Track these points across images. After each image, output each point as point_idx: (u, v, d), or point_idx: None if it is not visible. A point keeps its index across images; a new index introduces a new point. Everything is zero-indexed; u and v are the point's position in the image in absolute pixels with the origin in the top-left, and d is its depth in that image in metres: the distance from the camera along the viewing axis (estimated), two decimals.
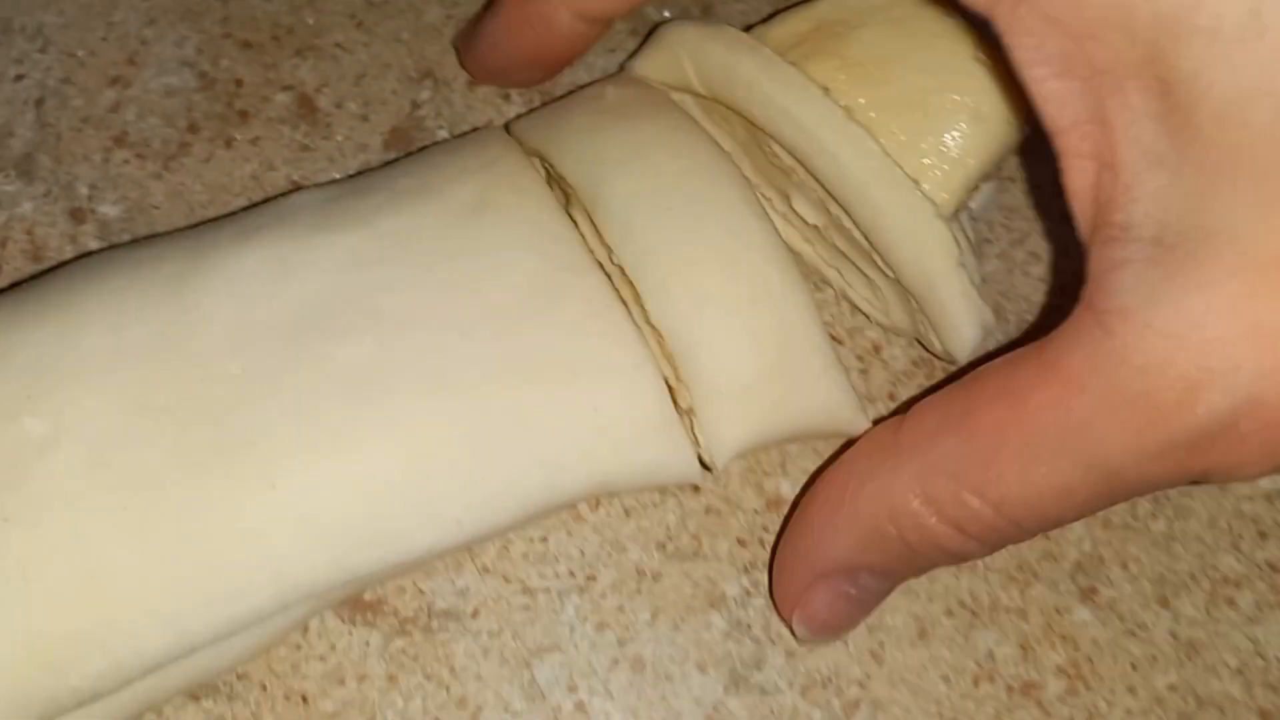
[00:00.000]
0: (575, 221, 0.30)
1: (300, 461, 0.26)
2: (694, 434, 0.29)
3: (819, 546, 0.27)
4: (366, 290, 0.28)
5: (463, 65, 0.35)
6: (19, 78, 0.35)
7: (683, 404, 0.28)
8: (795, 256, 0.34)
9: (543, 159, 0.31)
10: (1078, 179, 0.22)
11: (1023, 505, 0.23)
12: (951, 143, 0.29)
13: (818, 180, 0.30)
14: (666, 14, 0.37)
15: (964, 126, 0.29)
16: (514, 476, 0.27)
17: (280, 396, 0.26)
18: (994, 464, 0.23)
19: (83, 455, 0.25)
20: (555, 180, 0.31)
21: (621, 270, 0.29)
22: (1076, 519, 0.24)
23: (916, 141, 0.29)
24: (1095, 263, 0.22)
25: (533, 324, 0.28)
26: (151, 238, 0.30)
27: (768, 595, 0.30)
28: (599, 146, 0.30)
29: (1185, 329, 0.20)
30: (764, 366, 0.28)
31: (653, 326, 0.28)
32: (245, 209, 0.30)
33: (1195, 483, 0.23)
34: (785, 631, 0.30)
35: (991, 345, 0.33)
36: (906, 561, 0.26)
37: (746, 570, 0.31)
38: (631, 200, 0.29)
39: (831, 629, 0.28)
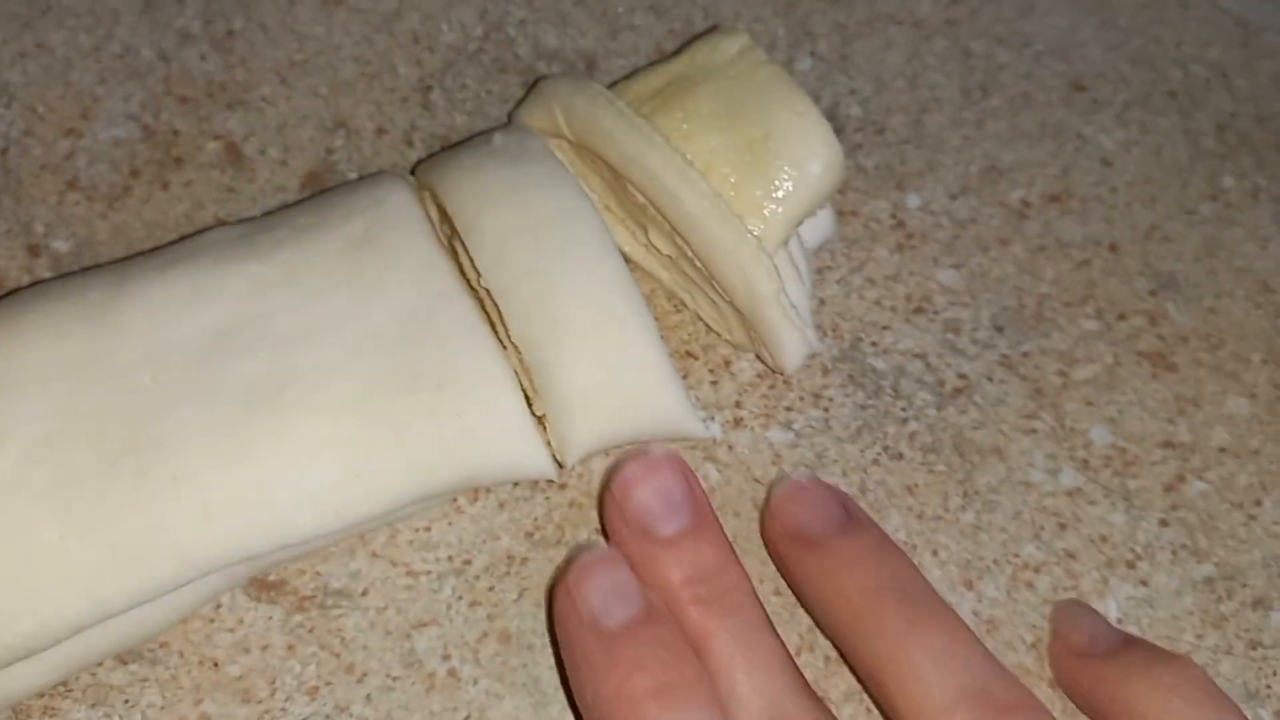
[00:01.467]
0: (458, 249, 0.35)
1: (200, 459, 0.31)
2: (547, 437, 0.34)
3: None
4: (265, 314, 0.33)
5: None
6: None
7: (538, 411, 0.33)
8: (656, 281, 0.39)
9: (434, 194, 0.36)
10: None
11: None
12: (776, 185, 0.34)
13: (664, 217, 0.35)
14: (555, 69, 0.42)
15: (787, 171, 0.34)
16: (387, 473, 0.32)
17: (186, 404, 0.31)
18: None
19: (18, 454, 0.30)
20: (445, 214, 0.36)
21: (488, 292, 0.34)
22: None
23: (745, 184, 0.34)
24: None
25: (408, 343, 0.33)
26: (87, 269, 0.35)
27: None
28: (480, 183, 0.35)
29: None
30: (605, 381, 0.33)
31: (514, 344, 0.33)
32: (170, 243, 0.35)
33: None
34: None
35: (828, 359, 0.38)
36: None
37: None
38: (502, 232, 0.34)
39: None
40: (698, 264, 0.36)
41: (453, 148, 0.37)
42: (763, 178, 0.34)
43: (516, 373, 0.33)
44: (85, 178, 0.40)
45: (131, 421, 0.31)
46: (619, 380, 0.33)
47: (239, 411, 0.31)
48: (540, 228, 0.34)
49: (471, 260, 0.34)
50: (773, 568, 0.35)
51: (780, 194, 0.34)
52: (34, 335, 0.32)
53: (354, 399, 0.32)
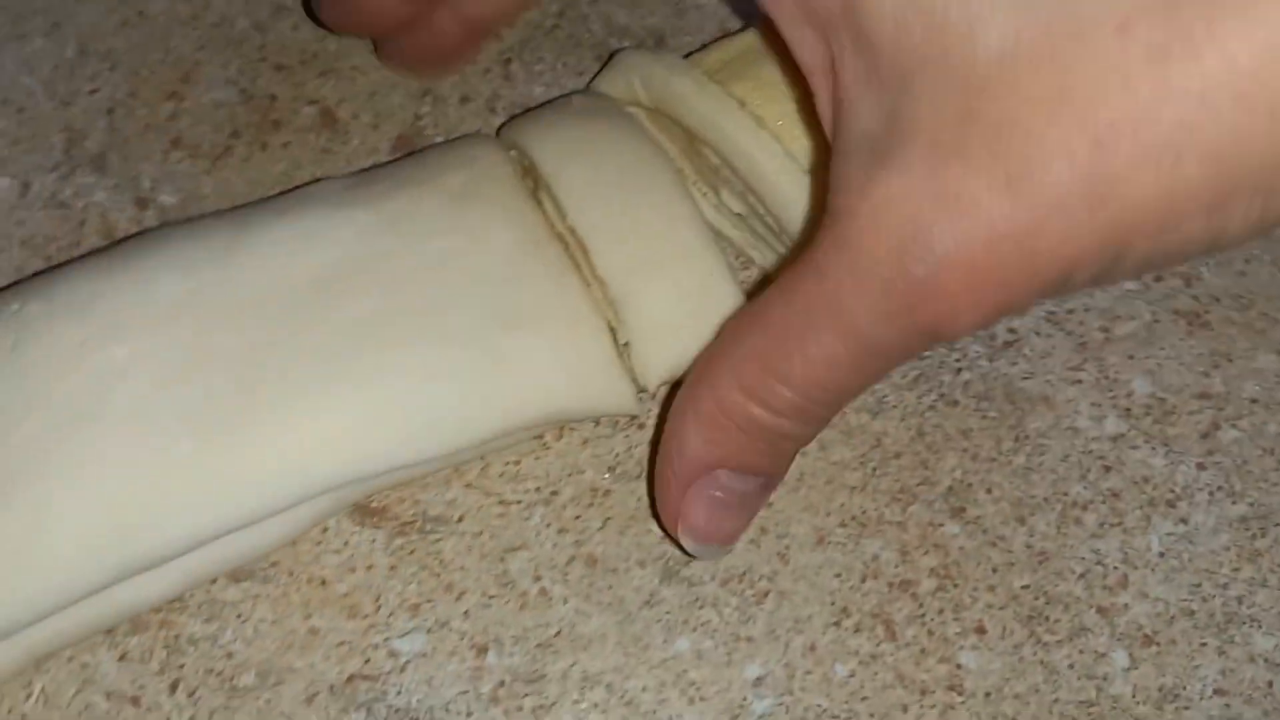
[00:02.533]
0: (541, 200, 0.38)
1: (319, 386, 0.33)
2: (630, 363, 0.36)
3: (678, 456, 0.32)
4: (375, 257, 0.35)
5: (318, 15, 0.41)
6: (93, 91, 0.43)
7: (621, 340, 0.36)
8: (726, 240, 0.41)
9: (519, 150, 0.38)
10: (824, 111, 0.29)
11: (808, 382, 0.29)
12: None
13: (737, 176, 0.38)
14: (626, 44, 0.45)
15: None
16: (488, 403, 0.35)
17: (306, 337, 0.34)
18: (783, 349, 0.29)
19: (153, 379, 0.33)
20: (528, 169, 0.38)
21: (573, 233, 0.36)
22: (856, 390, 0.29)
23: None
24: (830, 174, 0.28)
25: (505, 285, 0.35)
26: (204, 215, 0.37)
27: None
28: (564, 137, 0.38)
29: (885, 209, 0.25)
30: (683, 310, 0.35)
31: (599, 278, 0.36)
32: (280, 193, 0.38)
33: (932, 342, 0.27)
34: None
35: None
36: (747, 451, 0.31)
37: None
38: (587, 178, 0.37)
39: (713, 536, 0.33)
40: (768, 220, 0.38)
41: (535, 109, 0.40)
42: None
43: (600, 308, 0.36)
44: (188, 137, 0.42)
45: (256, 352, 0.34)
46: (696, 309, 0.36)
47: (354, 344, 0.34)
48: (621, 173, 0.37)
49: (557, 206, 0.37)
50: (837, 504, 0.38)
51: None
52: (164, 273, 0.34)
53: (458, 335, 0.35)
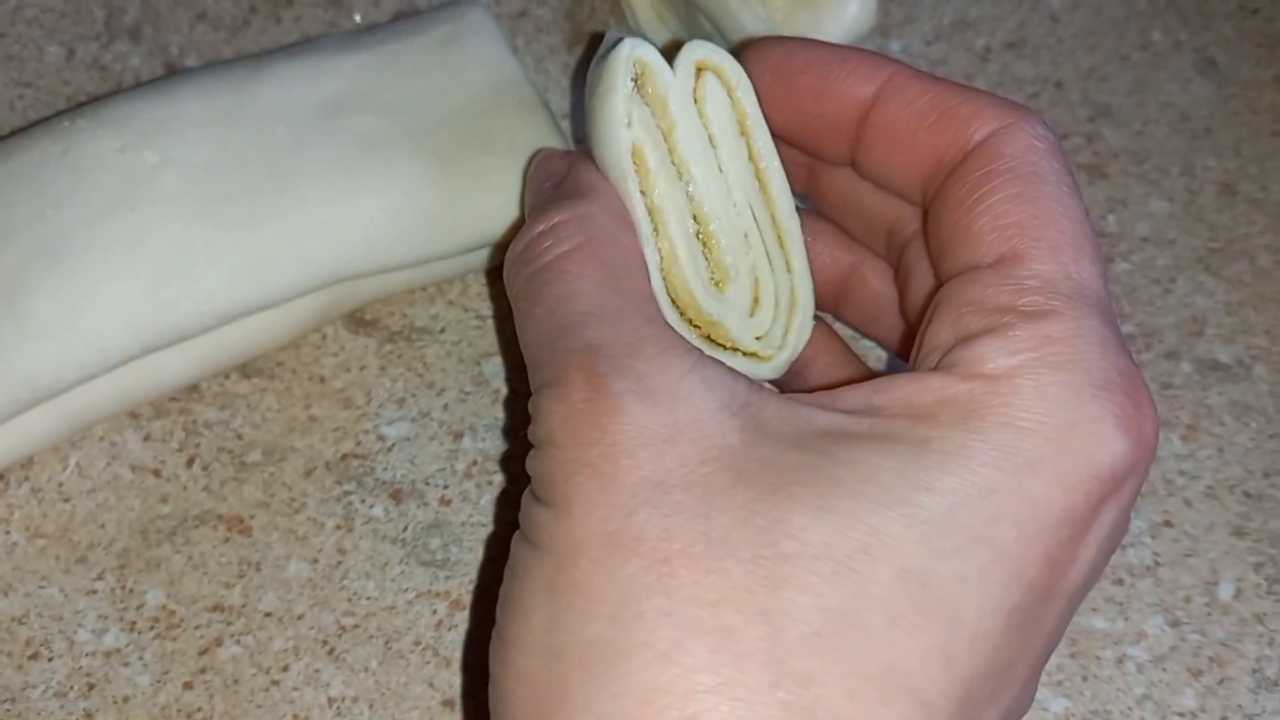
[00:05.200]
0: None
1: (323, 188, 0.39)
2: None
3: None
4: (372, 88, 0.41)
5: None
6: None
7: None
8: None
9: None
10: None
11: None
12: (820, 20, 0.41)
13: (722, 36, 0.43)
14: None
15: (830, 10, 0.41)
16: (466, 214, 0.40)
17: (311, 149, 0.39)
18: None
19: (181, 177, 0.38)
20: None
21: None
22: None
23: (793, 16, 0.41)
24: None
25: (482, 117, 0.41)
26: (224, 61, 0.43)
27: None
28: None
29: None
30: None
31: None
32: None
33: None
34: None
35: None
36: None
37: None
38: None
39: None
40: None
41: None
42: (810, 15, 0.42)
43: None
44: (212, 12, 0.48)
45: (269, 158, 0.39)
46: None
47: (353, 156, 0.40)
48: None
49: None
50: None
51: (822, 29, 0.42)
52: (190, 93, 0.40)
53: (443, 153, 0.40)
